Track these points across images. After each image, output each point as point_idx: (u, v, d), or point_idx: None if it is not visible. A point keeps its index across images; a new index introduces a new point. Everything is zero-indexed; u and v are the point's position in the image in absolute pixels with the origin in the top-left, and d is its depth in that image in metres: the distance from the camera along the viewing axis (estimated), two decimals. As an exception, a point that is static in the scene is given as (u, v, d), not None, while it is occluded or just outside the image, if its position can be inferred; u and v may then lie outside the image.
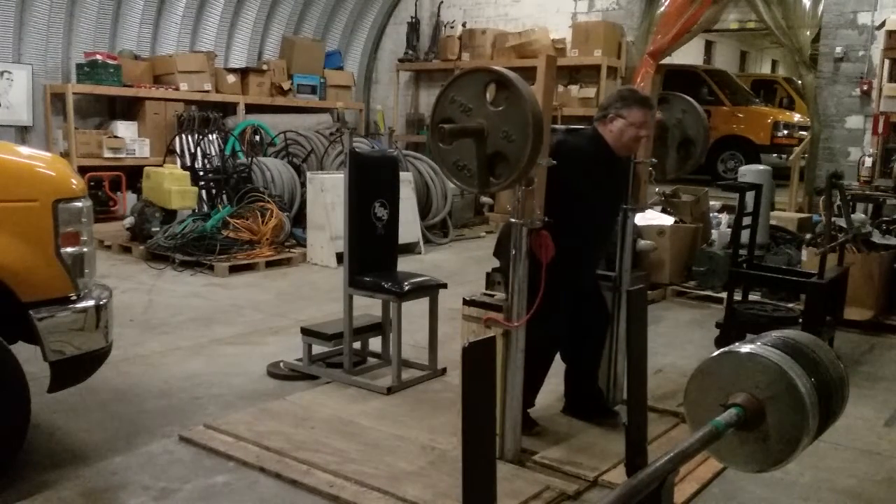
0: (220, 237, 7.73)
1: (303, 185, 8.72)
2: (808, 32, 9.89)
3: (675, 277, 7.04)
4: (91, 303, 3.28)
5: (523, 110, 2.91)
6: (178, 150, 9.61)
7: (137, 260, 7.77)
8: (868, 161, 8.62)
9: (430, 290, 4.54)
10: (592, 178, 3.55)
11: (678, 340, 5.56)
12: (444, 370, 4.59)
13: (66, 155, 9.37)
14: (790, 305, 5.66)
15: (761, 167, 7.55)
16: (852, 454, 3.73)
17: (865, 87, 9.38)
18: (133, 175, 9.63)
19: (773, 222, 7.44)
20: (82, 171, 8.86)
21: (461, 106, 3.06)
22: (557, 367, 4.55)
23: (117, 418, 3.89)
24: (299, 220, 8.55)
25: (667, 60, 10.75)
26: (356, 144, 5.68)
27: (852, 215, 5.90)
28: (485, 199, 10.71)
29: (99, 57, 9.87)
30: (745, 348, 1.43)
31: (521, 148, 2.92)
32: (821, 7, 9.78)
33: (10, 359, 3.06)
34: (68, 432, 3.72)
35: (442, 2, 12.95)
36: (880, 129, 8.80)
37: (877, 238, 6.32)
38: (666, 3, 10.83)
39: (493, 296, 3.45)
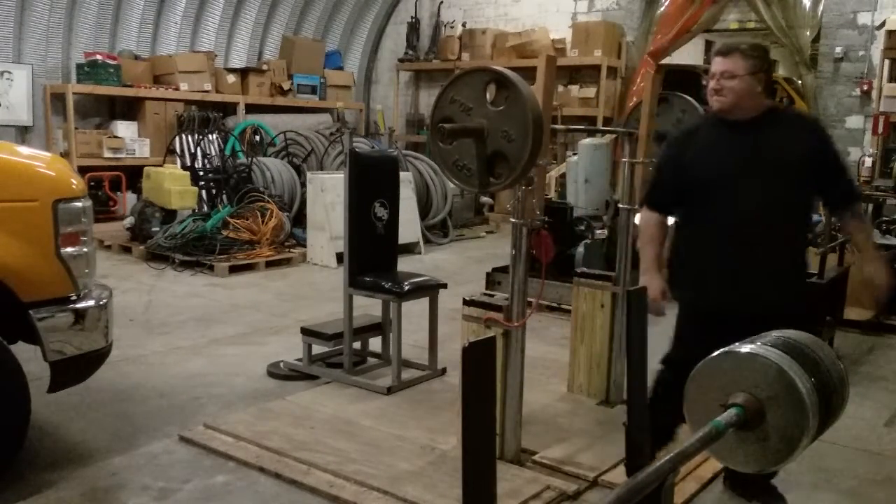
0: (220, 237, 7.73)
1: (303, 185, 8.72)
2: (808, 32, 9.88)
3: (675, 277, 7.02)
4: (91, 303, 3.28)
5: (523, 110, 2.92)
6: (178, 150, 9.61)
7: (137, 260, 7.77)
8: (868, 161, 8.62)
9: (430, 290, 4.54)
10: (707, 157, 3.01)
11: (678, 340, 5.55)
12: (444, 370, 4.59)
13: (66, 155, 9.37)
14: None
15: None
16: (852, 454, 3.73)
17: (865, 87, 9.38)
18: (133, 175, 9.63)
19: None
20: (82, 171, 8.86)
21: (461, 106, 3.06)
22: (557, 367, 4.55)
23: (117, 418, 3.89)
24: (299, 220, 8.55)
25: (667, 60, 10.74)
26: (356, 144, 5.67)
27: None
28: (485, 199, 10.71)
29: (99, 57, 9.87)
30: (745, 348, 1.43)
31: (521, 148, 2.93)
32: (821, 7, 9.78)
33: (10, 359, 3.06)
34: (68, 432, 3.72)
35: (442, 2, 12.95)
36: (880, 129, 8.80)
37: (877, 238, 6.32)
38: (666, 3, 10.83)
39: (493, 296, 3.45)
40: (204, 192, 8.66)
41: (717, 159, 3.00)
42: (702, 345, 2.38)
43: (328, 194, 7.84)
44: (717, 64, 2.94)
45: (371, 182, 4.53)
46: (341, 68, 13.16)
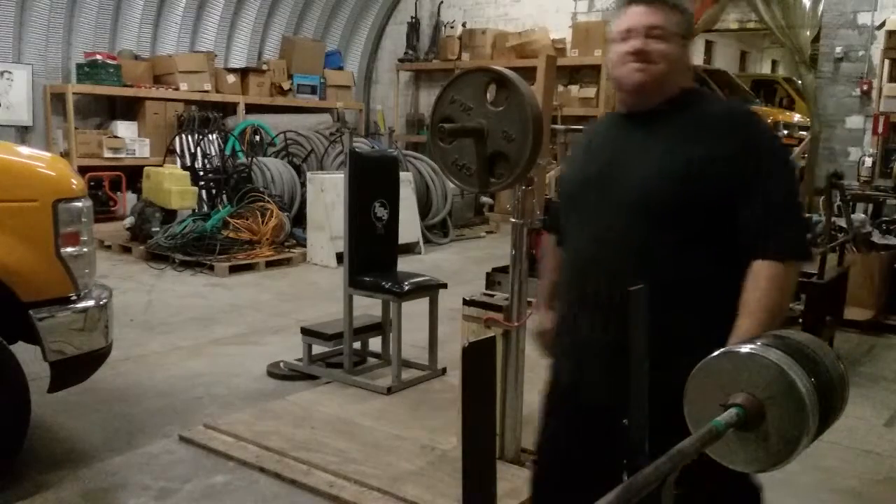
0: (220, 237, 7.73)
1: (303, 185, 8.72)
2: (808, 32, 9.89)
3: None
4: (91, 303, 3.28)
5: (523, 110, 2.91)
6: (178, 150, 9.61)
7: (137, 260, 7.77)
8: (868, 161, 8.63)
9: (430, 289, 4.54)
10: (577, 163, 2.19)
11: (678, 340, 5.55)
12: (444, 370, 4.59)
13: (66, 155, 9.37)
14: (790, 305, 5.64)
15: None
16: (852, 454, 3.73)
17: (865, 87, 9.39)
18: (133, 175, 9.63)
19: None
20: (82, 171, 8.86)
21: (461, 105, 3.05)
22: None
23: (117, 418, 3.89)
24: (299, 220, 8.55)
25: (667, 60, 10.74)
26: (356, 144, 5.68)
27: (852, 215, 5.90)
28: (485, 199, 10.71)
29: (99, 57, 9.88)
30: (745, 348, 1.43)
31: (522, 147, 2.92)
32: (821, 7, 9.78)
33: (10, 359, 3.06)
34: (68, 432, 3.71)
35: (442, 2, 12.95)
36: (880, 129, 8.81)
37: (877, 238, 6.33)
38: (666, 3, 10.82)
39: (493, 296, 3.45)
40: (204, 192, 8.66)
41: (581, 167, 2.11)
42: (550, 435, 2.13)
43: (328, 194, 7.84)
44: (637, 16, 1.92)
45: (371, 182, 4.53)
46: (341, 68, 13.16)
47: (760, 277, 1.82)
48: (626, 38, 1.93)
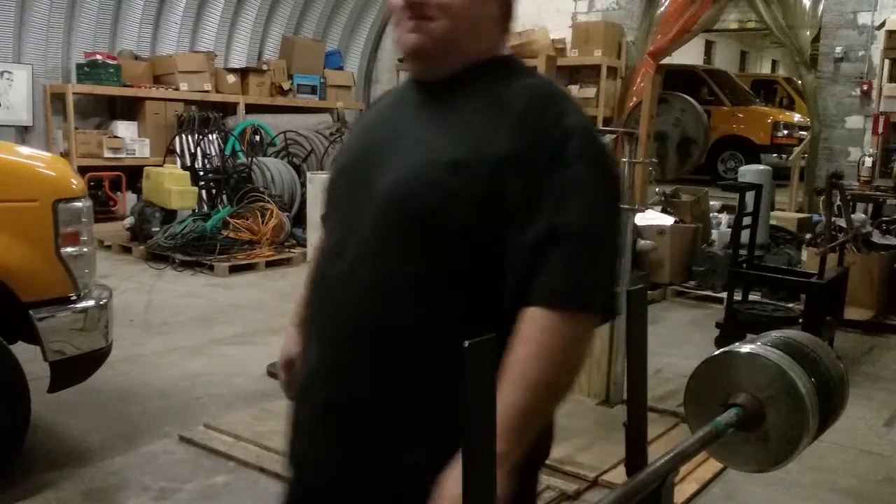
0: (220, 237, 7.73)
1: (303, 185, 8.72)
2: (808, 32, 9.89)
3: (675, 277, 7.04)
4: (91, 303, 3.28)
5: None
6: (178, 150, 9.61)
7: (137, 260, 7.77)
8: (868, 161, 8.63)
9: (430, 290, 4.53)
10: (352, 141, 1.60)
11: (678, 340, 5.56)
12: (444, 370, 4.58)
13: (66, 155, 9.36)
14: (790, 305, 5.67)
15: (761, 167, 7.55)
16: (852, 454, 3.73)
17: (865, 87, 9.39)
18: (133, 175, 9.62)
19: (773, 222, 7.45)
20: (82, 171, 8.86)
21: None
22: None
23: (117, 418, 3.89)
24: (299, 220, 8.55)
25: (667, 60, 10.74)
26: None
27: (852, 215, 5.90)
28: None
29: (99, 57, 9.87)
30: (745, 348, 1.43)
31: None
32: (821, 7, 9.78)
33: (10, 359, 3.06)
34: (68, 432, 3.71)
35: (442, 2, 12.95)
36: (880, 129, 8.81)
37: (877, 238, 6.33)
38: (666, 3, 10.83)
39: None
40: (204, 192, 8.66)
41: (347, 150, 1.59)
42: None
43: (328, 194, 7.83)
44: None
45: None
46: (341, 68, 13.16)
47: (529, 334, 1.21)
48: None
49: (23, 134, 9.81)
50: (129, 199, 9.77)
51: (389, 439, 1.32)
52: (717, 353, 1.45)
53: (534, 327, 1.21)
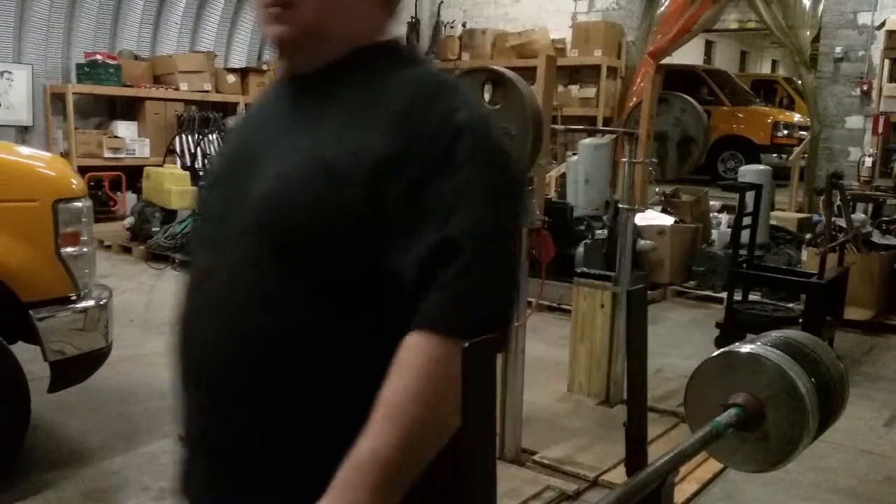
0: (220, 237, 7.73)
1: (303, 185, 8.71)
2: (808, 32, 9.89)
3: (675, 277, 7.04)
4: (91, 303, 3.28)
5: (521, 106, 2.92)
6: (178, 150, 9.61)
7: (137, 260, 7.77)
8: (868, 161, 8.64)
9: (430, 290, 4.53)
10: (228, 147, 1.49)
11: (678, 340, 5.56)
12: (444, 370, 4.58)
13: (66, 155, 9.36)
14: (790, 305, 5.67)
15: (761, 167, 7.56)
16: (852, 454, 3.73)
17: (865, 87, 9.39)
18: (133, 175, 9.62)
19: (773, 222, 7.45)
20: (82, 171, 8.85)
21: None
22: (557, 367, 4.55)
23: (117, 418, 3.89)
24: (299, 219, 8.55)
25: (667, 60, 10.75)
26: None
27: (852, 215, 5.90)
28: (485, 199, 10.70)
29: (99, 57, 9.87)
30: (745, 348, 1.43)
31: (523, 143, 2.93)
32: (821, 7, 9.79)
33: (10, 359, 3.06)
34: (68, 432, 3.71)
35: (442, 2, 12.95)
36: (880, 129, 8.81)
37: (877, 238, 6.33)
38: (666, 3, 10.84)
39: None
40: (204, 192, 8.65)
41: (221, 156, 1.53)
42: None
43: (328, 194, 7.84)
44: None
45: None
46: (341, 68, 13.17)
47: (410, 362, 1.06)
48: None
49: (23, 134, 9.81)
50: (129, 199, 9.77)
51: (255, 480, 1.18)
52: (717, 353, 1.45)
53: (415, 355, 1.04)
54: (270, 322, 1.15)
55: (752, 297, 5.90)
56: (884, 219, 6.92)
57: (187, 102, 10.67)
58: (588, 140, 8.31)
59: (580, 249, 6.16)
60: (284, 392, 1.15)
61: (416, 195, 1.08)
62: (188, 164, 9.20)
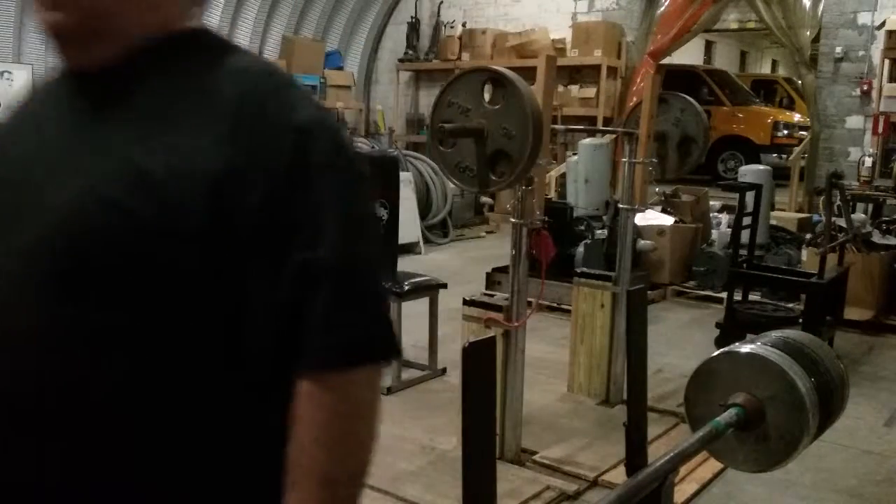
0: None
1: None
2: (808, 32, 9.89)
3: (675, 277, 7.04)
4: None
5: (521, 105, 2.92)
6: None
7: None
8: (868, 161, 8.63)
9: (430, 289, 4.54)
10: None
11: (678, 340, 5.56)
12: (444, 370, 4.59)
13: (66, 155, 9.37)
14: (790, 305, 5.67)
15: (761, 167, 7.56)
16: (852, 454, 3.73)
17: (865, 87, 9.39)
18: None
19: (773, 222, 7.45)
20: (82, 171, 8.87)
21: (459, 108, 3.06)
22: (557, 367, 4.56)
23: None
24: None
25: (667, 60, 10.75)
26: (356, 144, 5.67)
27: (852, 215, 5.90)
28: (485, 199, 10.72)
29: (99, 57, 9.89)
30: (745, 348, 1.43)
31: (523, 143, 2.93)
32: (821, 7, 9.79)
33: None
34: None
35: (442, 2, 12.95)
36: (880, 129, 8.81)
37: (877, 238, 6.33)
38: (666, 3, 10.84)
39: (493, 296, 3.46)
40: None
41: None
42: None
43: (328, 194, 7.83)
44: None
45: (371, 182, 4.52)
46: (341, 68, 13.17)
47: (307, 415, 0.97)
48: None
49: (23, 134, 9.82)
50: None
51: None
52: (717, 353, 1.45)
53: (311, 405, 0.95)
54: (69, 372, 0.92)
55: (752, 297, 5.90)
56: (884, 219, 6.92)
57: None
58: (588, 140, 8.32)
59: (580, 249, 6.16)
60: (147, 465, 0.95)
61: (268, 215, 0.93)
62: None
